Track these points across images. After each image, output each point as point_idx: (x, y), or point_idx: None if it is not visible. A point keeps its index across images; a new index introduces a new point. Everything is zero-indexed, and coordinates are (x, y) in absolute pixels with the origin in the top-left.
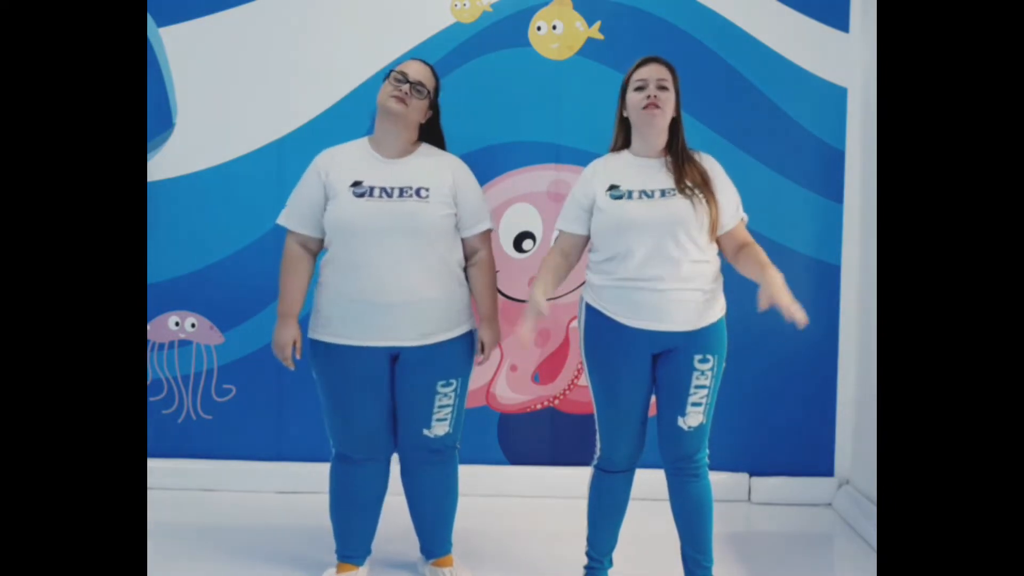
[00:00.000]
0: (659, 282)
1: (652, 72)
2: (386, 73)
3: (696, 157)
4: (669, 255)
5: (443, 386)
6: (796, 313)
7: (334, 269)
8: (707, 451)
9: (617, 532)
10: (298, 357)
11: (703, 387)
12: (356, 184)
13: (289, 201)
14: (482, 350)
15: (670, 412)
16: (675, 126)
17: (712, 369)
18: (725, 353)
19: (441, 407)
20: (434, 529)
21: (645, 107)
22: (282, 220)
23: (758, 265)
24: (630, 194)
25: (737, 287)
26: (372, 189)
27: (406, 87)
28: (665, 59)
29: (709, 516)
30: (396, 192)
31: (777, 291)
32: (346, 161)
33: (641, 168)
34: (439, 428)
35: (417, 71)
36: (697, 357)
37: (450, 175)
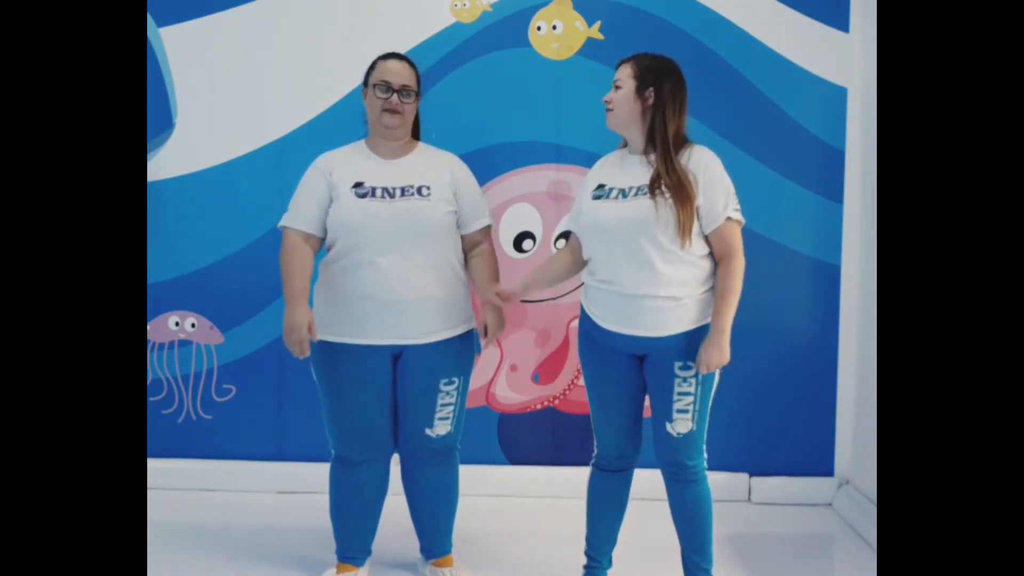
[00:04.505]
0: (628, 286)
1: (615, 74)
2: (364, 79)
3: (686, 152)
4: (638, 257)
5: (446, 384)
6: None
7: (338, 269)
8: (704, 458)
9: (615, 532)
10: (314, 339)
11: (687, 395)
12: (358, 185)
13: (291, 204)
14: (485, 334)
15: (658, 417)
16: (655, 121)
17: (696, 377)
18: None
19: (443, 406)
20: (434, 529)
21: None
22: (285, 221)
23: (714, 316)
24: (609, 193)
25: None
26: (374, 189)
27: (395, 97)
28: (638, 54)
29: (706, 521)
30: (398, 192)
31: (704, 361)
32: (347, 162)
33: (626, 166)
34: (441, 427)
35: (397, 74)
36: (678, 364)
37: (449, 173)
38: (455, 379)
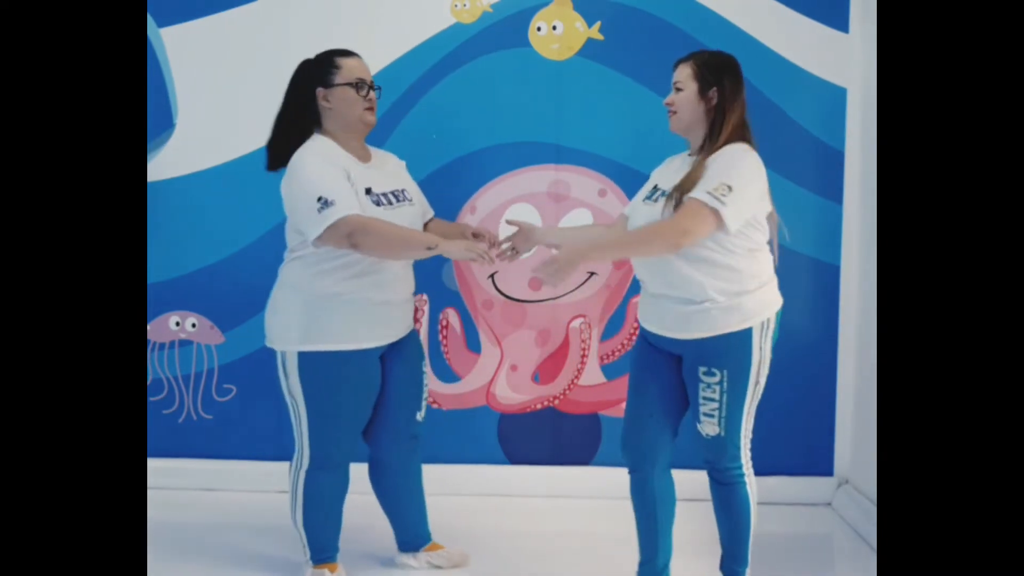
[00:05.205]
0: (652, 285)
1: (674, 76)
2: (321, 78)
3: (719, 152)
4: (657, 260)
5: (424, 366)
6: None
7: (350, 275)
8: (740, 463)
9: (654, 537)
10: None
11: (711, 400)
12: (368, 191)
13: (332, 196)
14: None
15: (691, 415)
16: (716, 120)
17: (720, 384)
18: (749, 367)
19: (424, 386)
20: (420, 518)
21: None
22: (341, 212)
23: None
24: (653, 194)
25: None
26: (380, 196)
27: (373, 94)
28: (695, 53)
29: (741, 523)
30: (392, 198)
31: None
32: (348, 164)
33: (681, 167)
34: (423, 410)
35: (367, 71)
36: (702, 369)
37: (406, 173)
38: (424, 357)
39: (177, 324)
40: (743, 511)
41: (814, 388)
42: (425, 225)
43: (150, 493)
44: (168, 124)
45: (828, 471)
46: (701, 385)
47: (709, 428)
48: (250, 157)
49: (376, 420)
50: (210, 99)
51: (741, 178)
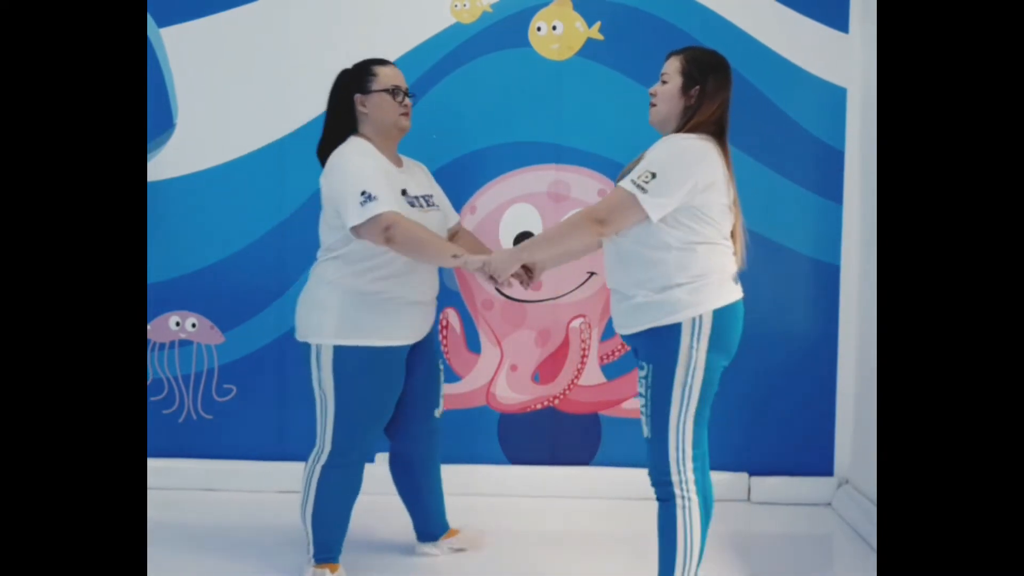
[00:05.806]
0: (607, 282)
1: (663, 67)
2: (359, 85)
3: (660, 140)
4: (607, 253)
5: (441, 363)
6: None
7: (385, 275)
8: (669, 478)
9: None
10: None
11: (640, 395)
12: (404, 192)
13: (375, 192)
14: (527, 276)
15: None
16: (689, 113)
17: (647, 379)
18: (675, 366)
19: (441, 383)
20: (439, 508)
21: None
22: (382, 207)
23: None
24: None
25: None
26: (414, 199)
27: (408, 101)
28: (689, 48)
29: (666, 545)
30: (423, 201)
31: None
32: (384, 166)
33: None
34: (441, 406)
35: (402, 78)
36: (641, 362)
37: (430, 180)
38: (442, 355)
39: (177, 324)
40: (670, 533)
41: (814, 388)
42: (452, 234)
43: (150, 493)
44: (168, 124)
45: (828, 471)
46: (639, 379)
47: (644, 428)
48: (250, 157)
49: (399, 416)
50: (210, 99)
51: (667, 165)
